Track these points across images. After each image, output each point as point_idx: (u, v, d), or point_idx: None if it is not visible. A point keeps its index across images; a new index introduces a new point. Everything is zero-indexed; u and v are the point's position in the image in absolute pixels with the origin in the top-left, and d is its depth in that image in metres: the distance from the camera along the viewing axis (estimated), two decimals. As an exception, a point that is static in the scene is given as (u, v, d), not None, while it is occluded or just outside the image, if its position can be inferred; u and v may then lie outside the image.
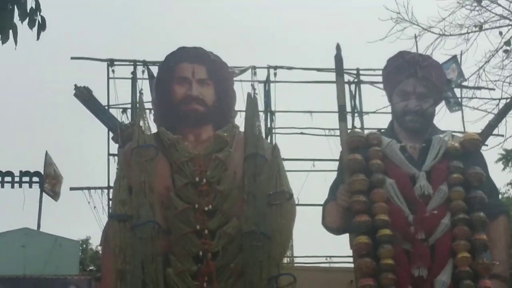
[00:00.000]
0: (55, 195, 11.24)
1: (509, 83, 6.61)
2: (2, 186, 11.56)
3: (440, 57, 7.27)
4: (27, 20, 4.30)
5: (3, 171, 11.50)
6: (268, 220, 6.85)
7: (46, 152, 11.51)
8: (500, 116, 7.27)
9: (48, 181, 11.16)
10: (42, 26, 4.38)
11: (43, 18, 4.42)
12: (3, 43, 4.27)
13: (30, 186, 10.97)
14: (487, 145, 7.86)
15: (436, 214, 6.98)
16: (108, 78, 8.64)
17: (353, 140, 7.33)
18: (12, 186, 11.38)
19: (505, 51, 6.60)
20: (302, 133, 9.77)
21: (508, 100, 6.79)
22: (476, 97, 7.17)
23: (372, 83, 9.89)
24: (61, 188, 11.19)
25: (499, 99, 6.60)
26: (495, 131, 7.74)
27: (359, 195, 6.97)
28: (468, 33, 6.61)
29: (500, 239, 7.23)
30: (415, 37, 6.61)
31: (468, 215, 6.96)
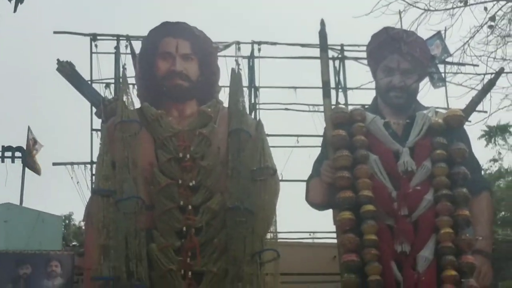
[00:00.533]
0: (36, 170, 11.16)
1: (494, 58, 6.64)
2: (-16, 161, 11.50)
3: (424, 32, 7.30)
4: None
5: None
6: (252, 196, 6.88)
7: (29, 127, 11.47)
8: (484, 92, 7.30)
9: (31, 156, 11.10)
10: None
11: None
12: None
13: (13, 161, 10.92)
14: (470, 121, 7.89)
15: (419, 190, 7.02)
16: (91, 53, 8.57)
17: (337, 116, 7.33)
18: (-6, 161, 11.31)
19: (490, 27, 6.62)
20: (286, 109, 9.77)
21: (493, 76, 6.81)
22: (461, 72, 7.20)
23: (356, 59, 9.88)
24: (38, 156, 11.14)
25: (484, 74, 6.63)
26: (479, 107, 7.77)
27: (343, 171, 6.99)
28: (453, 8, 6.62)
29: (483, 214, 7.29)
30: (400, 12, 6.62)
31: (451, 191, 6.99)
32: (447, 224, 6.88)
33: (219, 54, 7.84)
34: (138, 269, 6.62)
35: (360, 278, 6.67)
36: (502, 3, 6.70)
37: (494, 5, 6.62)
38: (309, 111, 9.18)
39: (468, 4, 6.64)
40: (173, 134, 7.12)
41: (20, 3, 3.77)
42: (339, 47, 8.64)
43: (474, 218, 7.10)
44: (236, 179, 6.94)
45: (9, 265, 8.06)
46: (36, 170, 10.92)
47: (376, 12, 6.59)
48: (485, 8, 6.62)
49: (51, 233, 9.29)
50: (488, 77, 6.79)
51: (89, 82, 8.18)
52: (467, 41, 6.54)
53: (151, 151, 7.06)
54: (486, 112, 7.63)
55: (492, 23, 6.67)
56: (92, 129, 7.86)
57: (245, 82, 7.89)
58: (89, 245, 7.14)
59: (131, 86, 7.54)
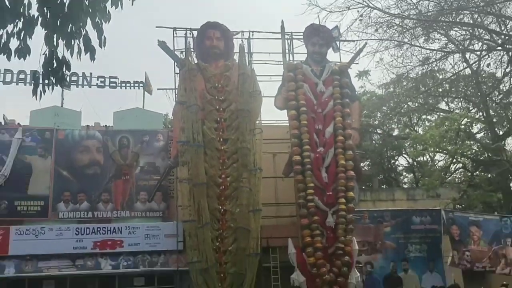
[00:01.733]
0: (149, 91, 11.11)
1: (362, 35, 6.93)
2: (125, 88, 11.28)
3: (330, 24, 7.50)
4: None
5: (125, 80, 11.35)
6: (249, 103, 6.99)
7: (146, 72, 11.50)
8: (357, 53, 7.58)
9: (148, 85, 11.17)
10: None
11: None
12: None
13: (139, 88, 10.88)
14: (351, 68, 8.11)
15: (327, 100, 7.26)
16: (174, 37, 8.44)
17: (289, 65, 7.44)
18: (130, 88, 11.24)
19: (360, 20, 6.89)
20: (265, 63, 9.47)
21: (362, 45, 7.12)
22: (347, 40, 7.49)
23: (299, 39, 9.68)
24: (155, 87, 11.10)
25: (357, 41, 6.93)
26: (356, 61, 8.08)
27: (291, 92, 7.20)
28: (342, 11, 6.86)
29: (356, 112, 7.61)
30: (318, 14, 6.85)
31: (341, 100, 7.24)
32: (339, 116, 7.13)
33: (234, 37, 8.00)
34: (198, 137, 6.78)
35: (300, 141, 6.98)
36: (366, 8, 6.99)
37: (362, 8, 6.88)
38: (276, 64, 9.08)
39: (350, 8, 6.88)
40: (212, 75, 7.18)
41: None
42: (290, 33, 8.47)
43: (352, 114, 7.36)
44: (242, 96, 7.03)
45: (139, 136, 8.18)
46: (149, 92, 10.99)
47: (306, 13, 6.85)
48: (358, 11, 6.88)
49: (157, 121, 9.46)
50: (360, 45, 7.08)
51: (173, 51, 8.20)
52: (349, 26, 6.82)
53: (202, 83, 7.14)
54: (358, 63, 7.94)
55: (361, 18, 6.92)
56: (175, 73, 7.93)
57: (246, 49, 8.01)
58: (175, 127, 7.30)
59: (192, 52, 7.82)
